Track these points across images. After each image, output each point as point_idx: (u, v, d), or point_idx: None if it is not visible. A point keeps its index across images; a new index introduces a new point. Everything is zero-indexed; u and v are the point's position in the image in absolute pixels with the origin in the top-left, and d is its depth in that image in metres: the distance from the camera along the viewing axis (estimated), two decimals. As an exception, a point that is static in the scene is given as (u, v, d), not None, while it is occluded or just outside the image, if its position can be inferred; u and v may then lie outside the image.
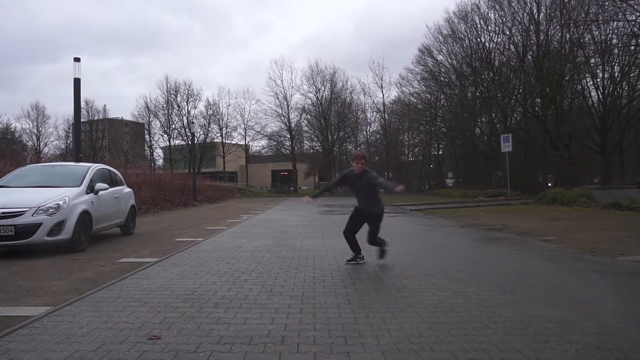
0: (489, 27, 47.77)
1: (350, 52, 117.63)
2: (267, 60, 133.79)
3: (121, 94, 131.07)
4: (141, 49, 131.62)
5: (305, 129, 71.33)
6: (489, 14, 47.26)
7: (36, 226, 9.10)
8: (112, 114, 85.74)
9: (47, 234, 9.22)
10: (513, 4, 44.29)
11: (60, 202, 9.58)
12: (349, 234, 8.12)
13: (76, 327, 4.50)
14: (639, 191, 27.03)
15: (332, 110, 67.40)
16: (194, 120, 61.92)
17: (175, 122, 74.20)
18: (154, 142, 78.25)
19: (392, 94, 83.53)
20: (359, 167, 7.92)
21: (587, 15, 36.90)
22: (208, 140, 73.63)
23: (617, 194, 23.66)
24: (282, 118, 67.98)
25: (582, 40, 39.26)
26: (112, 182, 12.55)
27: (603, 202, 21.63)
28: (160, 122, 74.98)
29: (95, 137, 77.98)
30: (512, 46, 46.31)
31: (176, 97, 73.45)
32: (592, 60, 41.13)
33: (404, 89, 63.04)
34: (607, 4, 30.91)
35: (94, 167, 11.99)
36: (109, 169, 13.30)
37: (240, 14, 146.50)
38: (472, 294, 5.78)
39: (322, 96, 67.25)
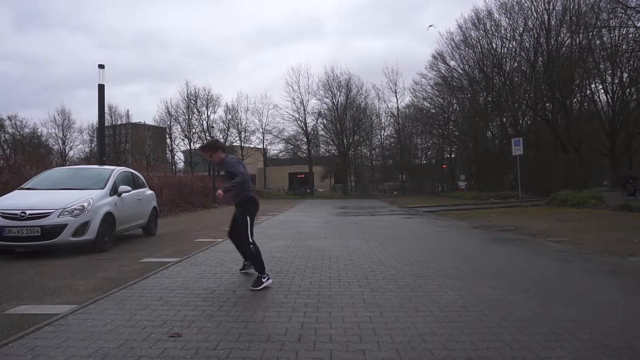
0: (501, 33, 47.74)
1: (364, 60, 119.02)
2: (284, 67, 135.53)
3: (143, 100, 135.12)
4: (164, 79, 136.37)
5: (322, 133, 70.97)
6: (501, 21, 47.26)
7: (62, 227, 9.26)
8: (134, 119, 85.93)
9: (72, 234, 9.39)
10: (524, 11, 44.31)
11: (85, 204, 9.74)
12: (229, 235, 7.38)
13: (100, 324, 4.60)
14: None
15: (348, 114, 66.97)
16: (214, 125, 61.91)
17: (195, 127, 73.74)
18: (175, 145, 78.06)
19: (406, 98, 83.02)
20: (210, 160, 7.36)
21: (596, 20, 36.82)
22: (227, 144, 73.23)
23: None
24: (299, 122, 67.85)
25: (591, 46, 39.13)
26: (135, 184, 12.69)
27: (613, 204, 21.57)
28: (181, 126, 74.58)
29: (119, 141, 77.38)
30: (522, 52, 46.25)
31: (196, 102, 73.16)
32: (602, 65, 40.92)
33: (417, 93, 63.06)
34: (618, 10, 30.90)
35: (118, 170, 12.15)
36: (131, 172, 13.39)
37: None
38: (485, 293, 5.82)
39: (337, 101, 66.94)
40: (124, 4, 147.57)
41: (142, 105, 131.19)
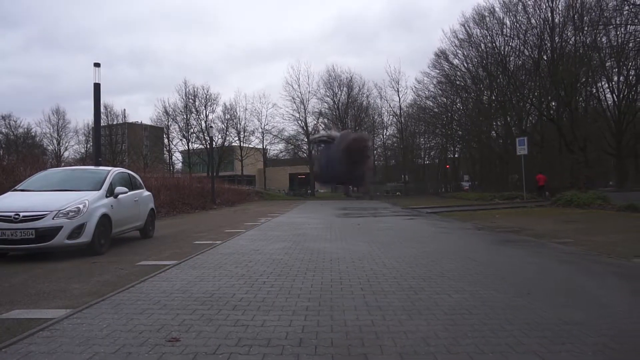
0: (504, 32, 47.66)
1: (364, 57, 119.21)
2: (283, 67, 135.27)
3: (141, 108, 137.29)
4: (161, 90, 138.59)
5: (323, 132, 70.70)
6: (504, 19, 47.20)
7: (57, 229, 9.14)
8: (131, 119, 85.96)
9: (68, 237, 9.25)
10: (528, 9, 44.25)
11: (81, 206, 9.62)
12: None
13: (96, 329, 4.53)
14: None
15: (349, 114, 67.00)
16: (212, 125, 61.61)
17: (193, 126, 73.32)
18: (173, 146, 77.58)
19: (409, 97, 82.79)
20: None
21: (600, 17, 36.76)
22: (226, 144, 73.21)
23: (633, 197, 23.46)
24: (300, 122, 67.62)
25: (597, 43, 39.04)
26: (132, 185, 12.57)
27: (618, 205, 21.47)
28: (179, 126, 74.11)
29: (115, 141, 76.90)
30: (526, 50, 46.19)
31: (194, 101, 72.63)
32: (608, 64, 40.83)
33: (420, 92, 62.99)
34: (624, 7, 30.77)
35: (114, 170, 11.97)
36: (128, 173, 13.23)
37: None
38: (489, 296, 5.75)
39: (338, 100, 66.82)
40: (121, 28, 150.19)
41: (139, 111, 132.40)
